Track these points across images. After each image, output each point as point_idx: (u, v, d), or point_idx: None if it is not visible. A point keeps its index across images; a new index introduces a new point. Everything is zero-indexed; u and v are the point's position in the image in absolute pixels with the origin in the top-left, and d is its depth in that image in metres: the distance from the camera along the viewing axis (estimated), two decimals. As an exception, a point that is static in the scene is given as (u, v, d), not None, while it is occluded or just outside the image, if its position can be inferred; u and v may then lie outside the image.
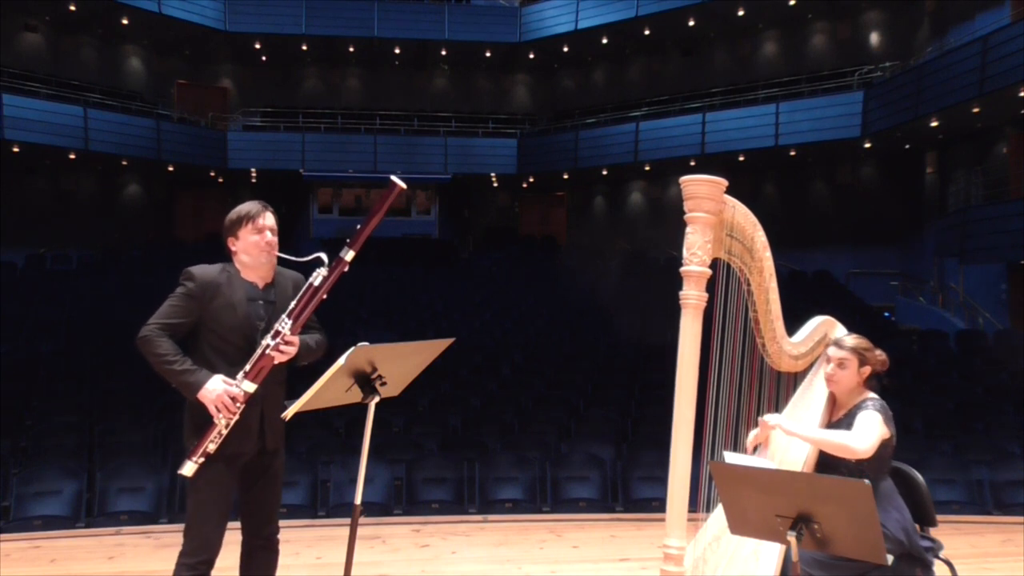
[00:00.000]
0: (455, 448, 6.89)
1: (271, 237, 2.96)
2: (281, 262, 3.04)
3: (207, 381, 2.79)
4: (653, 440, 7.00)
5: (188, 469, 2.82)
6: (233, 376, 2.83)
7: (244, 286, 2.95)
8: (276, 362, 2.85)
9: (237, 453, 2.88)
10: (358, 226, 2.86)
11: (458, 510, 6.04)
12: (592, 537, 5.23)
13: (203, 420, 2.82)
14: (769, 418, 3.01)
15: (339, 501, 5.93)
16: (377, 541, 5.07)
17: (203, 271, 2.94)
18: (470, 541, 5.14)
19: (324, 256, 2.85)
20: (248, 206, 2.98)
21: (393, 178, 2.83)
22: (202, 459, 2.80)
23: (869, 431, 2.90)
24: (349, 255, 2.85)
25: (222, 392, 2.78)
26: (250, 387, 2.81)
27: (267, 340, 2.84)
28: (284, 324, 2.83)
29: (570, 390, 9.13)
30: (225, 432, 2.80)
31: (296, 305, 2.86)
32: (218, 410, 2.78)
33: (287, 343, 2.83)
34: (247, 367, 2.82)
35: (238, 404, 2.79)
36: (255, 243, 2.94)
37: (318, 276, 2.85)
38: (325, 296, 2.88)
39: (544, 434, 7.39)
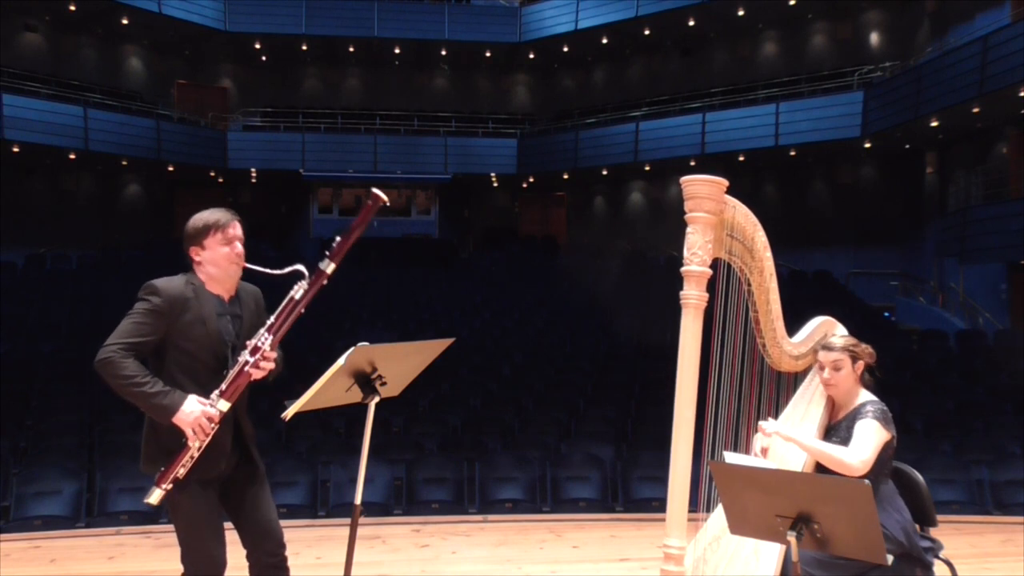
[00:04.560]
0: (455, 448, 6.90)
1: (240, 248, 2.79)
2: (252, 274, 2.82)
3: (183, 403, 2.60)
4: (653, 440, 7.01)
5: (155, 497, 2.65)
6: (201, 396, 2.66)
7: (212, 300, 2.77)
8: (253, 379, 2.70)
9: (209, 478, 2.72)
10: (338, 238, 2.75)
11: (458, 510, 6.03)
12: (592, 537, 5.23)
13: (171, 443, 2.64)
14: (767, 425, 3.01)
15: (339, 501, 5.93)
16: (377, 541, 5.07)
17: (168, 284, 2.72)
18: (470, 541, 5.14)
19: (303, 268, 2.72)
20: (215, 214, 2.78)
21: (375, 190, 2.74)
22: (170, 486, 2.63)
23: (866, 445, 2.89)
24: (330, 268, 2.71)
25: (200, 414, 2.60)
26: (225, 406, 2.65)
27: (245, 356, 2.68)
28: (264, 339, 2.68)
29: (570, 390, 9.13)
30: (197, 455, 2.63)
31: (275, 319, 2.71)
32: (195, 433, 2.60)
33: (266, 359, 2.68)
34: (223, 386, 2.66)
35: (213, 424, 2.63)
36: (225, 255, 2.76)
37: (298, 289, 2.71)
38: (303, 310, 2.73)
39: (544, 434, 7.40)
